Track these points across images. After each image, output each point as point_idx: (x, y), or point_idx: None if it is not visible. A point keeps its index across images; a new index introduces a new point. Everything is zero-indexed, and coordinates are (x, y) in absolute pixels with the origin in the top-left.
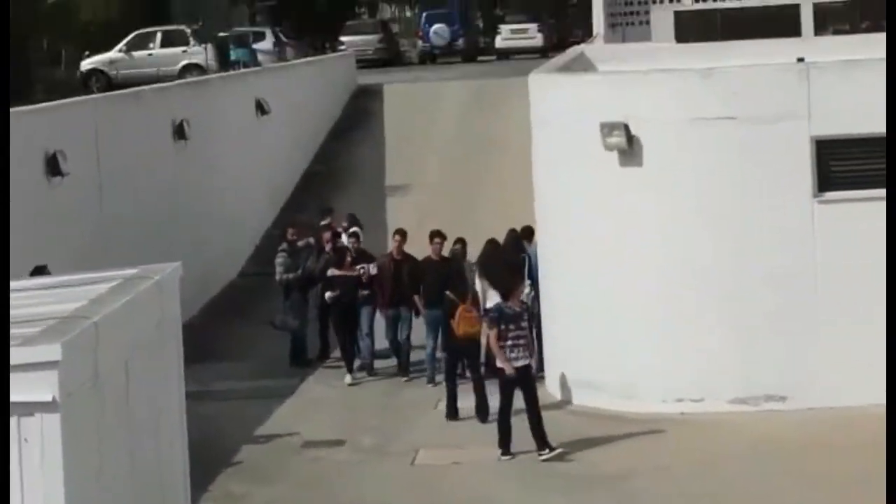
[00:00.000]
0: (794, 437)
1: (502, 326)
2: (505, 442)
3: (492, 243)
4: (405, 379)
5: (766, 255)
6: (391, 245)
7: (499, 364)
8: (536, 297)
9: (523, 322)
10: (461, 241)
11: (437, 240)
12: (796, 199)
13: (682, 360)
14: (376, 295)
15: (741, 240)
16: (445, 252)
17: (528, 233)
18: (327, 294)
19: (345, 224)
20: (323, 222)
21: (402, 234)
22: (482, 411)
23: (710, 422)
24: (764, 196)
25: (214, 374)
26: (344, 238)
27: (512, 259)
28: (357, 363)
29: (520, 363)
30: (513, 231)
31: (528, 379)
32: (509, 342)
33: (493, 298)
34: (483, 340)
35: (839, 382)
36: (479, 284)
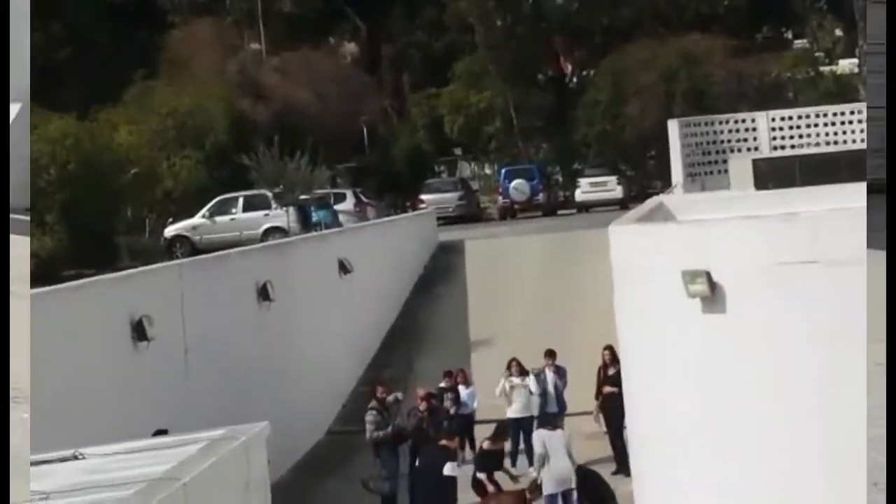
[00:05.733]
0: None
1: None
2: None
3: None
4: None
5: (857, 401)
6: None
7: None
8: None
9: None
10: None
11: None
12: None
13: None
14: None
15: (828, 385)
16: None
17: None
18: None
19: (442, 384)
20: (442, 384)
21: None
22: None
23: None
24: (850, 340)
25: None
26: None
27: None
28: None
29: None
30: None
31: None
32: None
33: None
34: None
35: None
36: None
